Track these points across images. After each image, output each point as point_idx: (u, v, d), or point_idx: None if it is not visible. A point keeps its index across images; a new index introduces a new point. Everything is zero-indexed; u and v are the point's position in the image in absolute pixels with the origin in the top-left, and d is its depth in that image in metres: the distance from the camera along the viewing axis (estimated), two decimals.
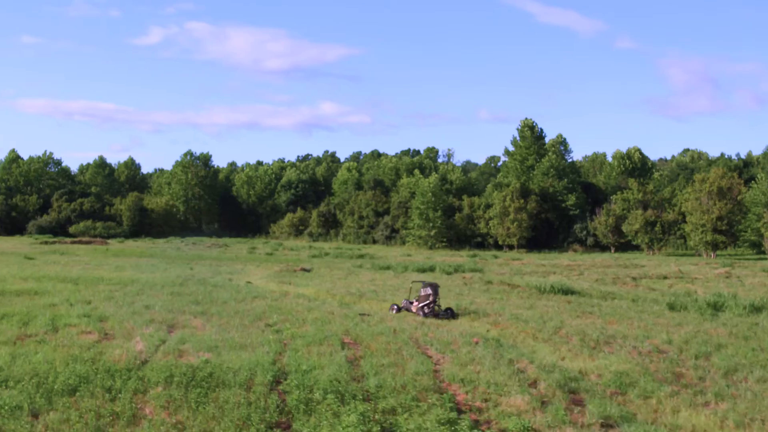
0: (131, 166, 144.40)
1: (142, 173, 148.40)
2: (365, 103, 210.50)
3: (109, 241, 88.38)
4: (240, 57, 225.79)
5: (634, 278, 39.66)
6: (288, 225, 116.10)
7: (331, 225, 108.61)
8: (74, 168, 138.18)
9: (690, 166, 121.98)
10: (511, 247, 79.62)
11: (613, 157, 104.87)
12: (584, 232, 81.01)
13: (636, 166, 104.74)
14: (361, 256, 61.28)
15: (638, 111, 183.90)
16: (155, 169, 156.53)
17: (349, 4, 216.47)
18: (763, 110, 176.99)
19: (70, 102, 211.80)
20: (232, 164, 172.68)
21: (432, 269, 43.45)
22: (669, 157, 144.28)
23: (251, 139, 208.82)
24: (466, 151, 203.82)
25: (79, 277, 32.72)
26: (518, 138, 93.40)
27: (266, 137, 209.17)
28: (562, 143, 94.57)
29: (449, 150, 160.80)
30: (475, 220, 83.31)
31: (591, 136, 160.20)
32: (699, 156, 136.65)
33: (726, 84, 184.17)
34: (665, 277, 40.75)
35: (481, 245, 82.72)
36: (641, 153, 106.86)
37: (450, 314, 22.62)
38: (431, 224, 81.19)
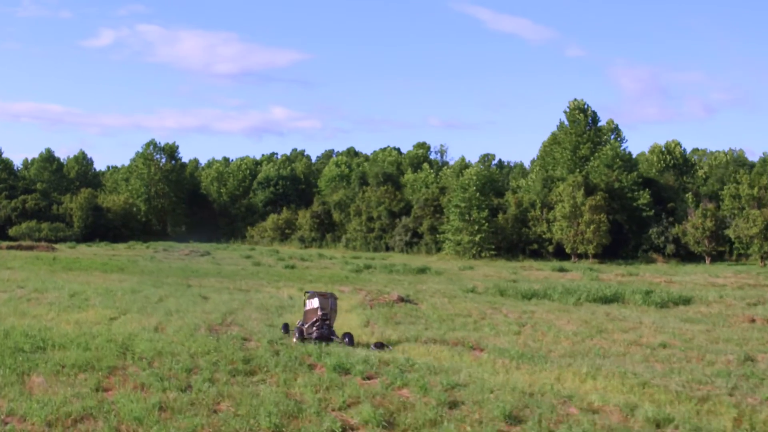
0: (82, 161, 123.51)
1: (95, 170, 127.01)
2: (316, 108, 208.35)
3: (56, 246, 68.53)
4: (191, 60, 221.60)
5: None
6: (272, 228, 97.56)
7: (327, 228, 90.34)
8: (18, 164, 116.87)
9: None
10: (580, 256, 62.72)
11: (651, 152, 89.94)
12: (662, 238, 64.76)
13: (678, 161, 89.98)
14: (423, 270, 43.49)
15: None
16: (108, 167, 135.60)
17: (301, 9, 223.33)
18: (710, 118, 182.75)
19: (17, 104, 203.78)
20: (195, 161, 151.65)
21: (617, 298, 26.07)
22: None
23: (201, 143, 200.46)
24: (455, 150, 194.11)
25: None
26: (566, 123, 76.82)
27: (216, 141, 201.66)
28: (614, 130, 78.32)
29: (442, 146, 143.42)
30: (528, 222, 66.22)
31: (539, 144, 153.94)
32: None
33: (675, 92, 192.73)
34: None
35: (537, 254, 65.68)
36: (681, 146, 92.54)
37: (348, 341, 15.82)
38: (476, 227, 63.81)
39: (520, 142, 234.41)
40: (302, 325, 16.59)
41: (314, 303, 16.53)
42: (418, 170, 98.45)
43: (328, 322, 16.43)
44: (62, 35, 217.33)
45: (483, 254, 63.82)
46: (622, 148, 75.02)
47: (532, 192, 70.98)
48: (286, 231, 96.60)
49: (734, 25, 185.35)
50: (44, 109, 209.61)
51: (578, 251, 62.12)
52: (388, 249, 77.14)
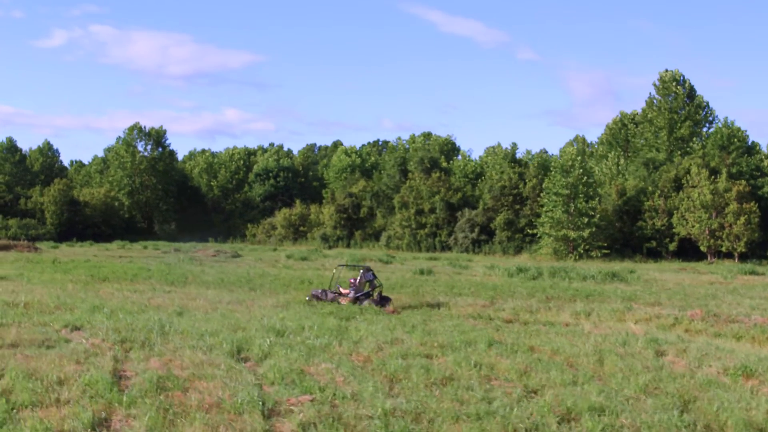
0: (47, 152, 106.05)
1: (62, 162, 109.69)
2: (269, 110, 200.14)
3: (38, 246, 52.87)
4: (144, 61, 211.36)
5: None
6: (283, 225, 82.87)
7: (354, 224, 76.25)
8: None
9: None
10: (719, 255, 50.21)
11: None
12: None
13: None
14: (614, 276, 29.87)
15: (540, 121, 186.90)
16: (72, 161, 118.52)
17: (254, 11, 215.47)
18: None
19: None
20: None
21: None
22: None
23: None
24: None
25: None
26: (659, 97, 64.39)
27: (168, 143, 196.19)
28: (705, 107, 66.09)
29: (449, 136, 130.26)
30: (644, 215, 53.48)
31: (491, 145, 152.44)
32: None
33: (626, 96, 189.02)
34: None
35: (655, 253, 52.96)
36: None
37: (388, 301, 19.31)
38: (585, 220, 50.74)
39: (473, 144, 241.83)
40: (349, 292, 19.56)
41: (369, 275, 19.90)
42: (451, 160, 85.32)
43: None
44: (14, 35, 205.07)
45: (593, 253, 50.77)
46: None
47: (633, 178, 58.21)
48: (301, 228, 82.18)
49: (685, 28, 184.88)
50: None
51: (721, 249, 49.52)
52: (444, 248, 63.50)
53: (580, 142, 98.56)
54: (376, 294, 19.47)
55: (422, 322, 14.87)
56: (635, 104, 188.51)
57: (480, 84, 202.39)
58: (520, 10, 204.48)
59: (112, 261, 38.29)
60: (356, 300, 19.17)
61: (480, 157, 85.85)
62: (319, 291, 20.12)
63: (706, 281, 32.23)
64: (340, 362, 9.73)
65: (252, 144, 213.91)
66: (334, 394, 7.97)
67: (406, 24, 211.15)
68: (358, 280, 19.66)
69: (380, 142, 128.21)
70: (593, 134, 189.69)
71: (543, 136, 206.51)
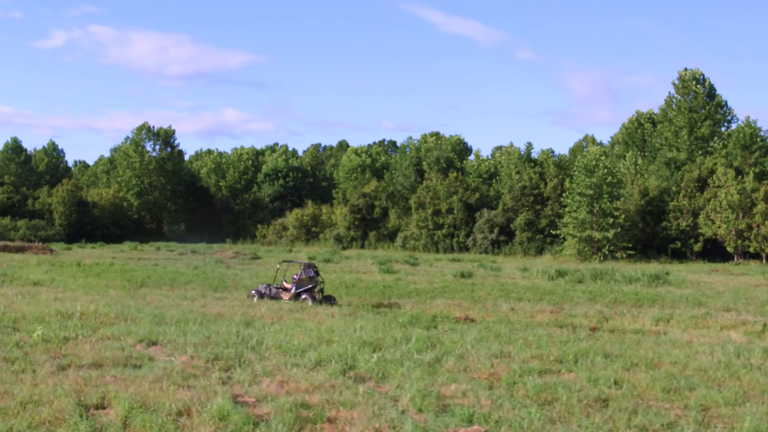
0: (52, 152, 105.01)
1: (66, 163, 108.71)
2: (268, 111, 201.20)
3: (53, 248, 51.85)
4: (143, 62, 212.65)
5: None
6: (295, 225, 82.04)
7: (368, 225, 75.35)
8: None
9: None
10: (745, 255, 49.38)
11: None
12: None
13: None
14: (656, 278, 28.95)
15: (540, 121, 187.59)
16: (76, 162, 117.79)
17: (253, 11, 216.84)
18: None
19: None
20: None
21: None
22: None
23: None
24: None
25: None
26: (679, 97, 63.54)
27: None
28: (724, 106, 65.23)
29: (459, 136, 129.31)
30: (668, 215, 52.63)
31: (490, 147, 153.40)
32: None
33: (625, 96, 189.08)
34: None
35: (680, 254, 52.11)
36: None
37: (331, 301, 19.73)
38: (610, 220, 49.90)
39: (474, 143, 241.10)
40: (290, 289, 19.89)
41: (309, 272, 19.99)
42: (464, 160, 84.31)
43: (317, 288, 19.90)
44: (13, 36, 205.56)
45: (617, 254, 49.91)
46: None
47: (655, 178, 57.37)
48: (313, 229, 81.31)
49: (683, 28, 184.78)
50: None
51: (748, 249, 48.68)
52: (462, 249, 62.60)
53: (590, 141, 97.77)
54: (317, 291, 19.81)
55: (509, 331, 13.94)
56: (635, 104, 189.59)
57: (479, 84, 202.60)
58: (519, 10, 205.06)
59: (135, 263, 37.35)
60: (297, 296, 19.64)
61: (494, 156, 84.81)
62: (264, 286, 20.53)
63: (750, 283, 31.36)
64: (471, 382, 8.80)
65: (249, 144, 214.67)
66: (497, 421, 7.06)
67: (406, 24, 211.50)
68: (299, 276, 20.00)
69: (386, 142, 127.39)
70: (593, 133, 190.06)
71: (544, 137, 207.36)
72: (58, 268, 30.64)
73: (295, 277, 20.20)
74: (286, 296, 19.76)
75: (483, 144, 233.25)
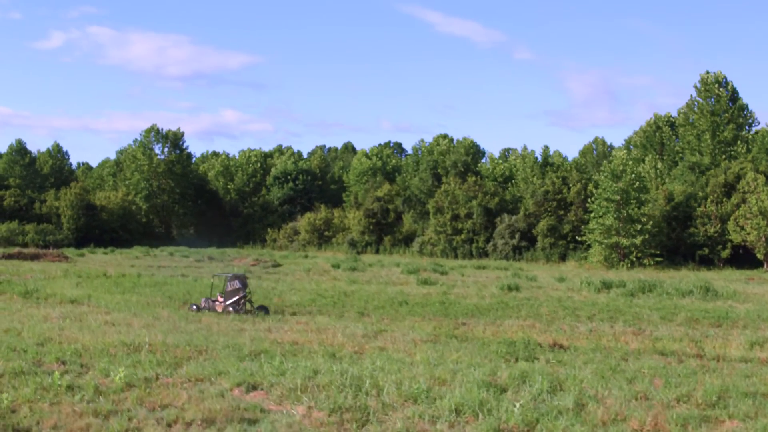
0: (56, 154, 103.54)
1: (71, 165, 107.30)
2: (267, 111, 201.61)
3: (67, 255, 50.69)
4: (142, 63, 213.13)
5: None
6: (307, 230, 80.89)
7: (383, 229, 74.26)
8: None
9: None
10: None
11: None
12: None
13: None
14: (707, 290, 27.94)
15: (538, 122, 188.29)
16: (79, 164, 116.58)
17: (252, 12, 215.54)
18: None
19: None
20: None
21: None
22: None
23: None
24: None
25: None
26: (701, 100, 62.57)
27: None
28: (746, 109, 64.30)
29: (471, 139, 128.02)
30: (696, 221, 51.66)
31: (491, 148, 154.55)
32: None
33: (624, 97, 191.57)
34: None
35: (707, 260, 51.15)
36: None
37: (264, 311, 20.70)
38: (638, 227, 48.93)
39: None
40: (221, 300, 21.14)
41: (236, 284, 21.19)
42: (477, 163, 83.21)
43: (246, 299, 21.15)
44: (12, 37, 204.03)
45: (645, 261, 48.92)
46: None
47: (679, 182, 56.43)
48: (326, 233, 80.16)
49: (684, 28, 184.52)
50: None
51: None
52: (481, 255, 61.56)
53: (599, 144, 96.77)
54: (244, 302, 21.11)
55: (615, 362, 12.90)
56: (635, 103, 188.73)
57: (478, 84, 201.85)
58: (518, 11, 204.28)
59: (156, 271, 36.26)
60: (227, 308, 21.01)
61: (507, 159, 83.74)
62: (204, 300, 21.98)
63: None
64: None
65: (248, 145, 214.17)
66: None
67: (404, 25, 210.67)
68: (225, 289, 21.38)
69: (391, 144, 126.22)
70: (593, 134, 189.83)
71: (543, 136, 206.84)
72: (86, 280, 29.53)
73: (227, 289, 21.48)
74: (219, 308, 21.12)
75: (483, 144, 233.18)
